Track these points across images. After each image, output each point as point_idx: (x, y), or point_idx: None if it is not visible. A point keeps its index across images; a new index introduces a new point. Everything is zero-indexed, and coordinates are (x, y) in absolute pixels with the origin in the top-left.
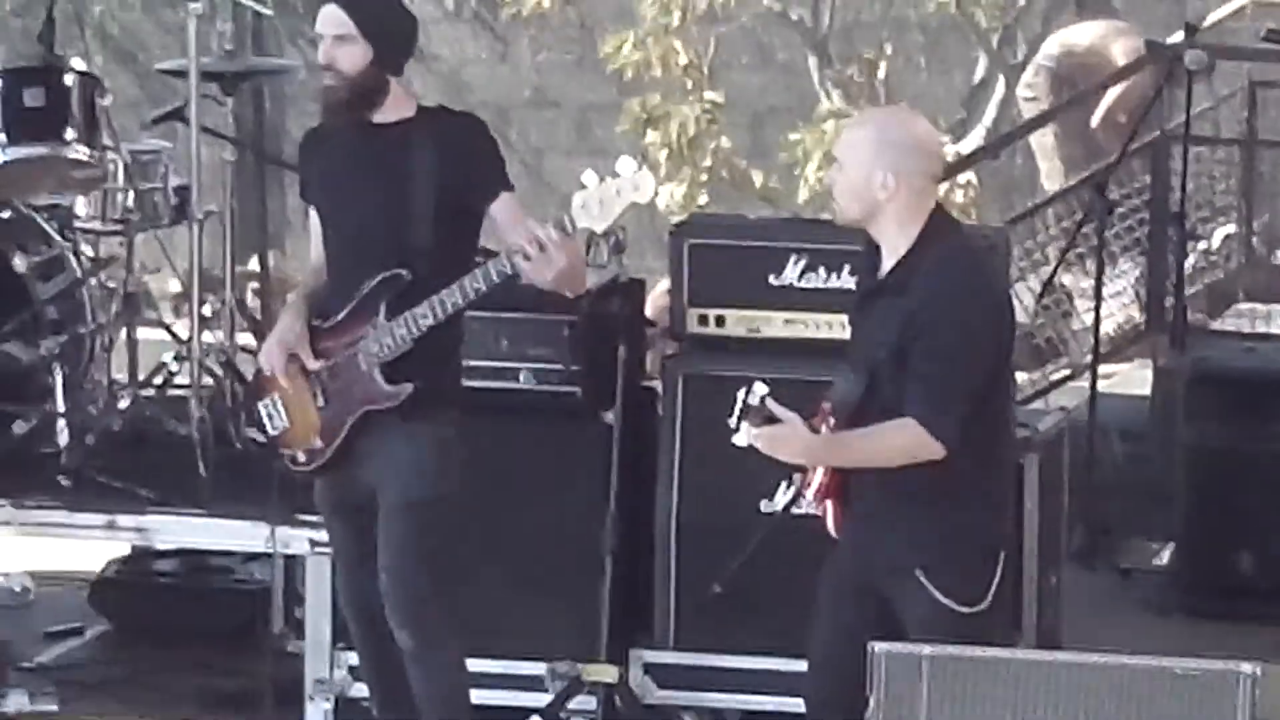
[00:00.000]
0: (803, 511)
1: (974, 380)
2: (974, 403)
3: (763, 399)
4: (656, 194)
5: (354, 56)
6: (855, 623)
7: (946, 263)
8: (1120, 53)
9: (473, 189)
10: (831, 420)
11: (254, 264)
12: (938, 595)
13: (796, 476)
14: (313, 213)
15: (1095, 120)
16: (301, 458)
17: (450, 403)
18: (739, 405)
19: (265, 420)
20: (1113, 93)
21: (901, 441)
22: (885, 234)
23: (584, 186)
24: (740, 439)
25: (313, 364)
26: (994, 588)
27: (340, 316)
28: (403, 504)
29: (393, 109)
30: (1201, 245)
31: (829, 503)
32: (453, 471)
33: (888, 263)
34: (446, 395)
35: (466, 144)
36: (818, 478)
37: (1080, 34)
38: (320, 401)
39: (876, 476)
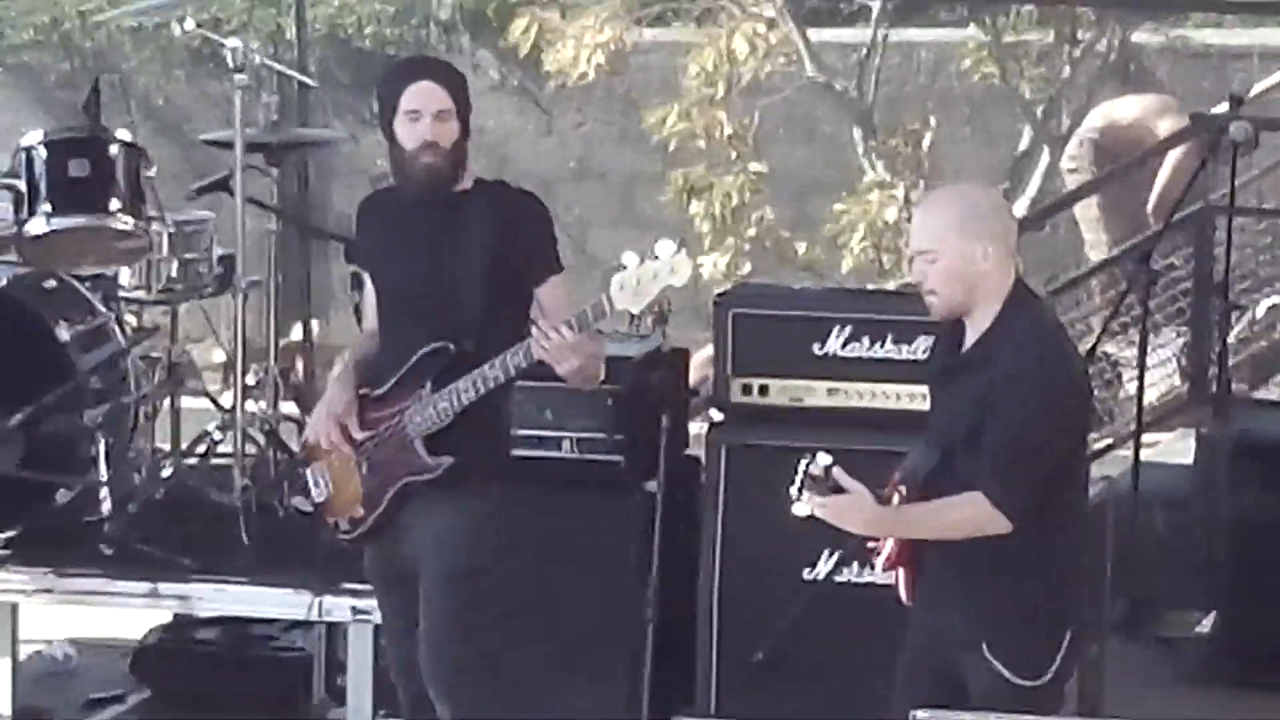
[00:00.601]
0: (845, 579)
1: (1046, 456)
2: (1045, 478)
3: (828, 469)
4: (696, 275)
5: (453, 132)
6: (926, 697)
7: (1029, 336)
8: (1165, 128)
9: (523, 266)
10: (902, 490)
11: (297, 333)
12: (999, 667)
13: (851, 543)
14: (367, 280)
15: (1150, 204)
16: (345, 526)
17: (493, 475)
18: (800, 475)
19: (311, 488)
20: (1165, 175)
21: (966, 515)
22: (975, 309)
23: (623, 266)
24: (800, 509)
25: (358, 434)
26: (1058, 662)
27: (388, 387)
28: (442, 576)
29: (461, 181)
30: (1247, 316)
31: (900, 571)
32: (493, 544)
33: (971, 336)
34: (489, 468)
35: (521, 220)
36: (888, 547)
37: (1125, 108)
38: (364, 470)
39: (942, 548)
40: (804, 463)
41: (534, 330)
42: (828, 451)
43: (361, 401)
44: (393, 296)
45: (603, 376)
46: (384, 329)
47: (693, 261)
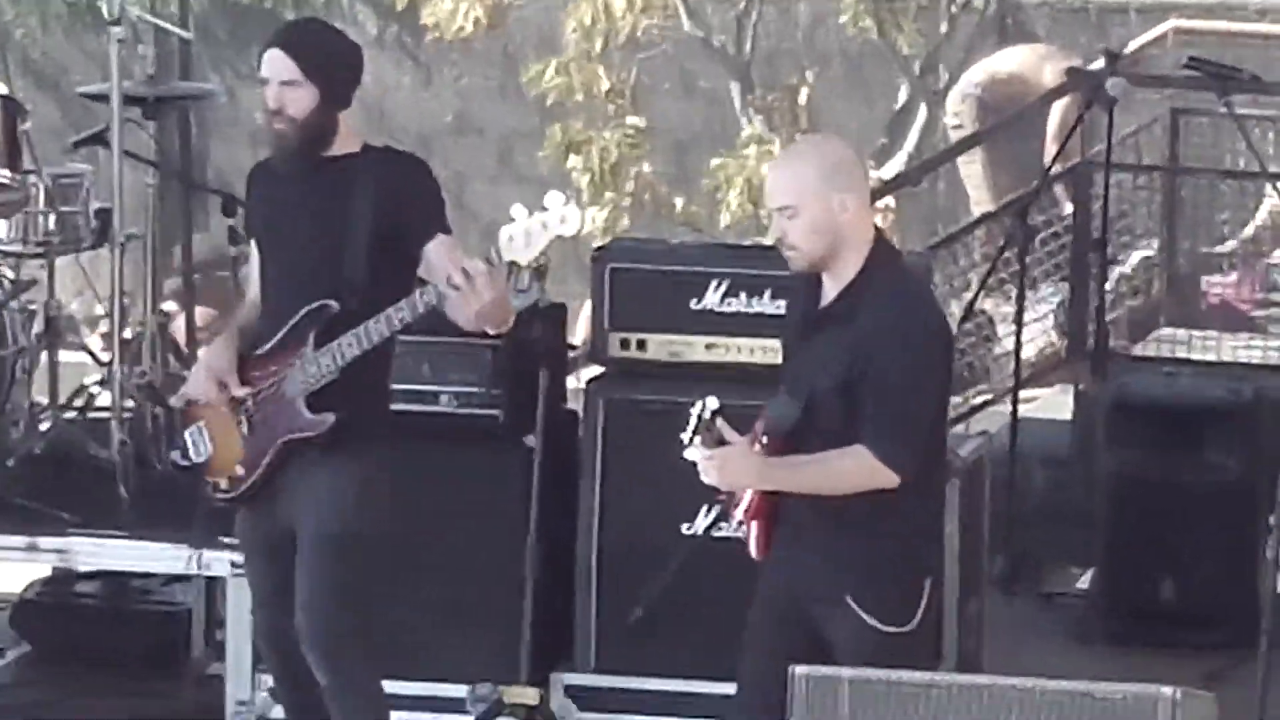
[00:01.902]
0: (724, 534)
1: (927, 410)
2: (924, 430)
3: (715, 414)
4: (582, 228)
5: (302, 100)
6: (783, 648)
7: (894, 291)
8: (1048, 77)
9: (410, 229)
10: (764, 441)
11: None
12: (864, 616)
13: (723, 497)
14: (253, 246)
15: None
16: (224, 485)
17: (375, 436)
18: (693, 419)
19: (190, 447)
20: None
21: (853, 468)
22: (834, 262)
23: (512, 219)
24: (692, 454)
25: (239, 391)
26: (921, 611)
27: (269, 346)
28: (320, 538)
29: (338, 144)
30: (1117, 269)
31: (755, 524)
32: (374, 507)
33: (831, 290)
34: (372, 428)
35: (407, 184)
36: (747, 497)
37: (1006, 60)
38: (245, 430)
39: (809, 500)
40: (696, 407)
41: (446, 275)
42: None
43: (243, 362)
44: (276, 261)
45: (511, 322)
46: (265, 292)
47: (581, 213)
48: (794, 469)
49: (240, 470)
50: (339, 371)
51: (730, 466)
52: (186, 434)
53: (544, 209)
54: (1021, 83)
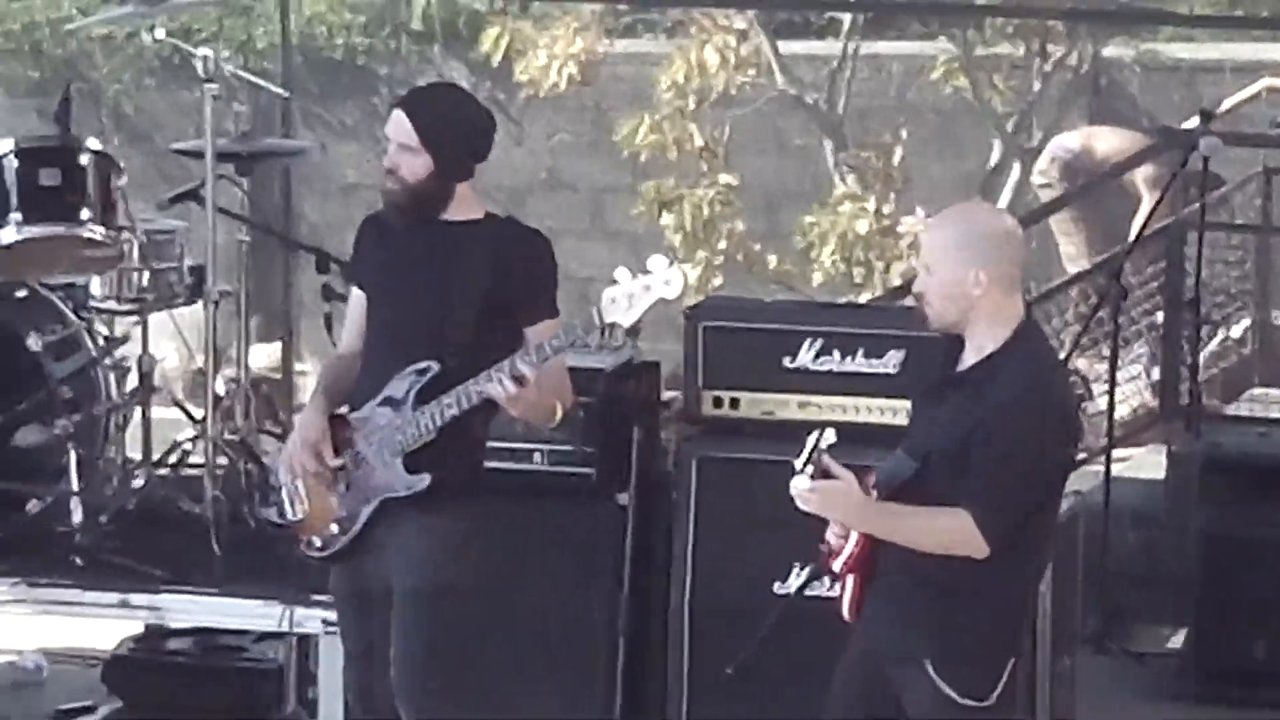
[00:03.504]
0: (816, 594)
1: (1034, 492)
2: (1026, 512)
3: (828, 448)
4: (684, 289)
5: (415, 167)
6: (863, 710)
7: (1031, 371)
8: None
9: (519, 305)
10: (874, 494)
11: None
12: (941, 684)
13: (823, 546)
14: (353, 294)
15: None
16: (318, 543)
17: (469, 494)
18: (807, 448)
19: (286, 505)
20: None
21: (949, 528)
22: (974, 330)
23: (615, 281)
24: (798, 482)
25: (333, 461)
26: (1000, 687)
27: (369, 405)
28: (414, 595)
29: (459, 209)
30: (1221, 333)
31: (850, 578)
32: (467, 564)
33: (969, 358)
34: (466, 487)
35: (525, 260)
36: (849, 547)
37: (1105, 140)
38: (341, 488)
39: (902, 560)
40: (812, 437)
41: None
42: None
43: (339, 421)
44: (382, 317)
45: (559, 418)
46: (369, 347)
47: (684, 276)
48: (892, 516)
49: (334, 529)
50: (436, 432)
51: (833, 499)
52: (283, 491)
53: (647, 271)
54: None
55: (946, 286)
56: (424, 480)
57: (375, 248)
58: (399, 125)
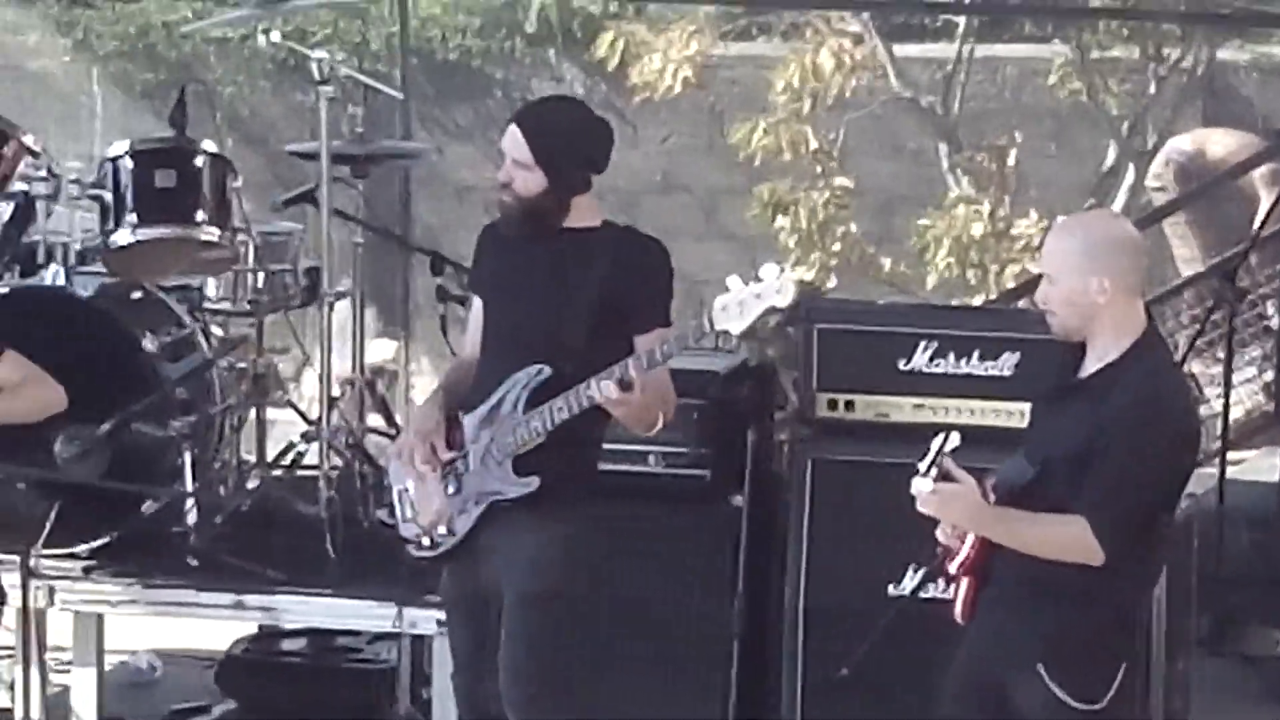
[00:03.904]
0: (930, 596)
1: (1152, 500)
2: (1143, 520)
3: (951, 452)
4: (796, 297)
5: (529, 182)
6: (974, 714)
7: (1152, 380)
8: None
9: (632, 314)
10: (991, 498)
11: (384, 347)
12: (1054, 687)
13: (940, 549)
14: (475, 301)
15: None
16: (427, 543)
17: (581, 498)
18: (931, 451)
19: (397, 505)
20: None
21: (1067, 535)
22: (1097, 337)
23: (726, 288)
24: (919, 484)
25: (445, 454)
26: (1114, 690)
27: (482, 408)
28: (524, 598)
29: (576, 217)
30: None
31: (965, 581)
32: (577, 565)
33: (1091, 364)
34: (577, 490)
35: (641, 269)
36: (965, 549)
37: (1220, 142)
38: (451, 489)
39: (1016, 564)
40: (937, 440)
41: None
42: (909, 468)
43: (454, 421)
44: (498, 324)
45: (660, 427)
46: (485, 354)
47: (795, 284)
48: (1010, 521)
49: (444, 529)
50: (546, 435)
51: (952, 503)
52: (395, 491)
53: (758, 279)
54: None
55: (1070, 295)
56: (533, 483)
57: (493, 256)
58: (514, 141)
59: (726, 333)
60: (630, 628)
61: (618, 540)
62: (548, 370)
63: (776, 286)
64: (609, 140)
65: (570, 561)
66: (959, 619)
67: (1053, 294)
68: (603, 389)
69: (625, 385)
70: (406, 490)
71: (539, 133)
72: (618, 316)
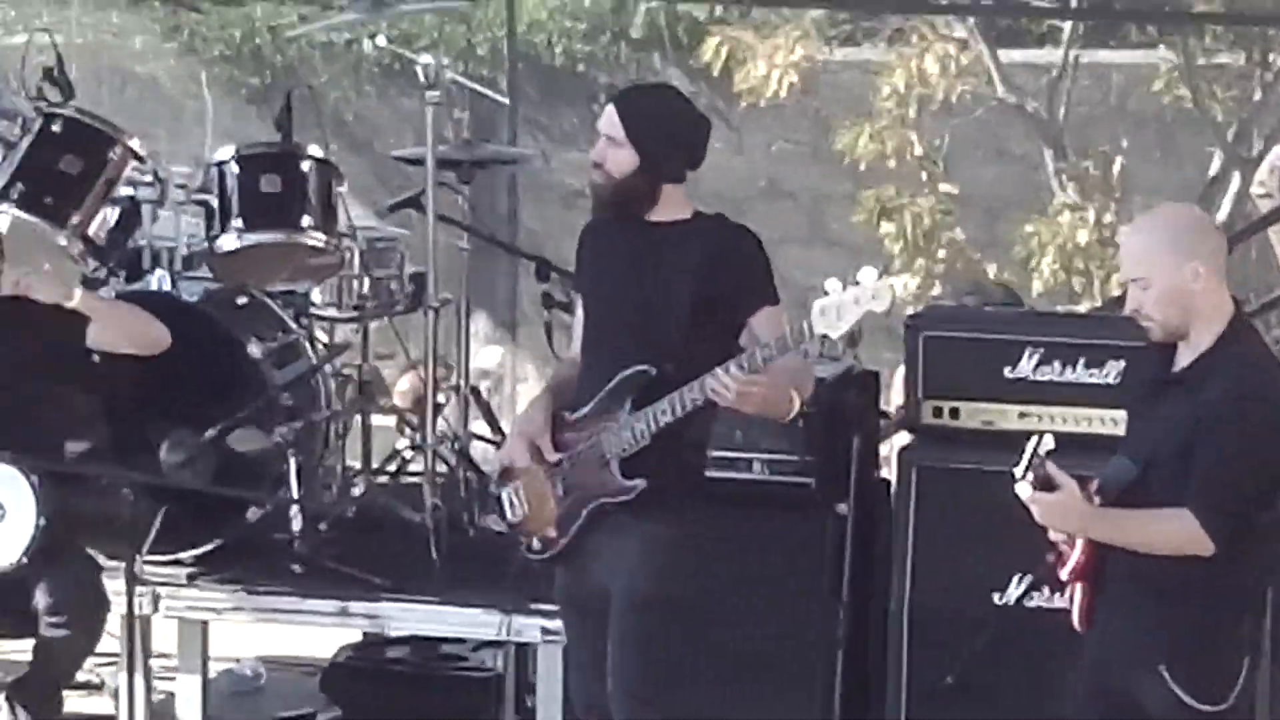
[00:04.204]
0: (1035, 604)
1: (1258, 484)
2: (1252, 506)
3: (1046, 455)
4: (893, 303)
5: (621, 161)
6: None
7: (1247, 364)
8: None
9: (732, 299)
10: (1096, 500)
11: (490, 354)
12: (1177, 689)
13: (1051, 558)
14: (578, 304)
15: None
16: (537, 546)
17: (688, 501)
18: (1026, 453)
19: (506, 507)
20: None
21: (1173, 529)
22: (1190, 329)
23: (825, 292)
24: (1021, 489)
25: (552, 456)
26: (1238, 689)
27: (586, 409)
28: (630, 603)
29: (666, 209)
30: None
31: (1079, 586)
32: (685, 569)
33: (1185, 357)
34: (685, 493)
35: (733, 255)
36: (1075, 555)
37: None
38: (559, 491)
39: (1130, 566)
40: (1031, 442)
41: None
42: (1017, 476)
43: (559, 422)
44: (598, 323)
45: (796, 409)
46: (587, 354)
47: (893, 289)
48: (1116, 520)
49: (553, 532)
50: (651, 438)
51: (1054, 509)
52: (502, 494)
53: (856, 283)
54: None
55: (1167, 291)
56: (638, 485)
57: (591, 254)
58: (609, 118)
59: (826, 336)
60: (735, 634)
61: (722, 547)
62: (652, 371)
63: (873, 291)
64: (705, 133)
65: (676, 567)
66: (1078, 626)
67: (1147, 297)
68: (712, 390)
69: (726, 388)
70: (516, 493)
71: (634, 112)
72: (718, 306)
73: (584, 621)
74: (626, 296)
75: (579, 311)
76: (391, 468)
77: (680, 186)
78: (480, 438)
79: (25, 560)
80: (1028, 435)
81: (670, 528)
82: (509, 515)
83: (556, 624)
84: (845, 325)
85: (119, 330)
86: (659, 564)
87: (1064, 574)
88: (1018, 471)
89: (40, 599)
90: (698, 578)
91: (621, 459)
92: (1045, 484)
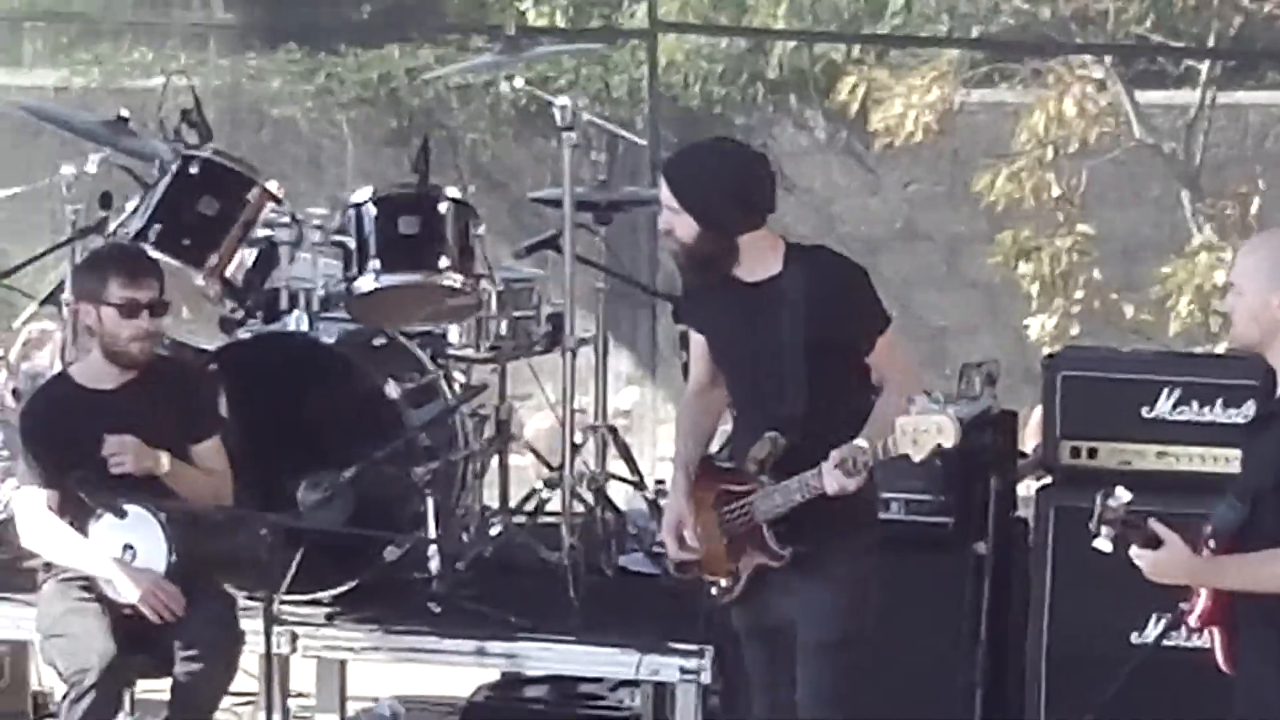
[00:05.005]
0: (1174, 644)
1: None
2: None
3: (1126, 505)
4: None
5: (683, 228)
6: None
7: None
8: None
9: (848, 339)
10: (1210, 545)
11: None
12: None
13: (1181, 605)
14: (693, 336)
15: None
16: (714, 592)
17: (861, 542)
18: (1097, 509)
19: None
20: None
21: None
22: (1271, 355)
23: (912, 402)
24: (1102, 545)
25: (695, 544)
26: None
27: (736, 464)
28: (816, 645)
29: (757, 264)
30: None
31: (1215, 630)
32: (866, 611)
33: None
34: (854, 537)
35: (835, 296)
36: (1201, 602)
37: None
38: (726, 541)
39: (1261, 609)
40: (1099, 497)
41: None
42: (1154, 516)
43: (715, 470)
44: (729, 381)
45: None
46: (733, 404)
47: (958, 429)
48: (1226, 567)
49: (724, 581)
50: (789, 510)
51: (1161, 566)
52: (685, 531)
53: (934, 405)
54: None
55: (1252, 309)
56: (788, 552)
57: (698, 321)
58: (663, 188)
59: (906, 457)
60: (875, 672)
61: None
62: (781, 439)
63: (939, 424)
64: (762, 177)
65: (857, 606)
66: (1223, 667)
67: (1237, 305)
68: (829, 487)
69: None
70: (694, 532)
71: (682, 178)
72: (836, 349)
73: (768, 646)
74: (747, 361)
75: (694, 343)
76: (529, 507)
77: (762, 231)
78: (618, 477)
79: None
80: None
81: (851, 569)
82: (688, 554)
83: (694, 663)
84: (921, 454)
85: (194, 495)
86: (841, 605)
87: (1193, 620)
88: (1091, 527)
89: (176, 637)
90: (875, 616)
91: (770, 521)
92: (1150, 541)
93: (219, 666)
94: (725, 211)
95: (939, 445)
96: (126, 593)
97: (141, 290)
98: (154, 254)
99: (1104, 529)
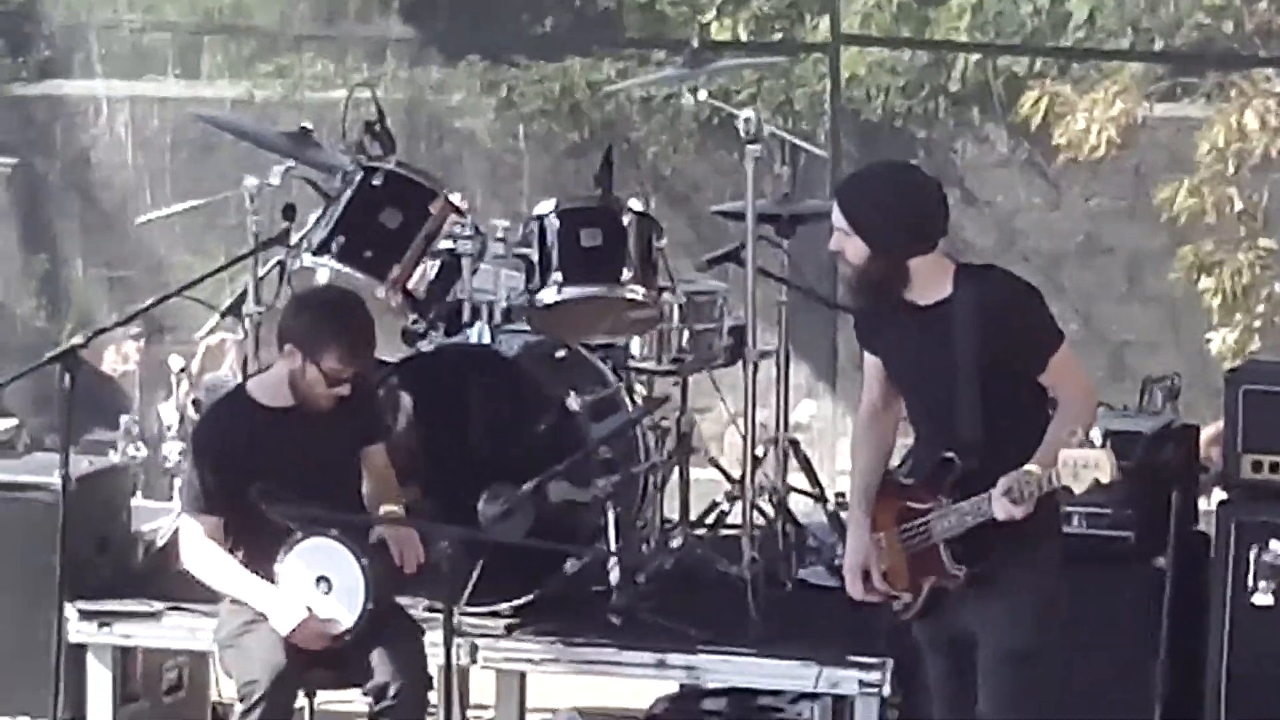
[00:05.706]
0: None
1: None
2: None
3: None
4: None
5: (854, 250)
6: None
7: None
8: None
9: (1022, 360)
10: None
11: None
12: None
13: None
14: (869, 358)
15: None
16: (906, 598)
17: (1044, 556)
18: (1253, 564)
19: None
20: None
21: None
22: None
23: (1081, 435)
24: (1260, 599)
25: (882, 586)
26: None
27: (918, 482)
28: (998, 657)
29: (928, 287)
30: None
31: None
32: (1048, 624)
33: None
34: (1036, 551)
35: (1009, 316)
36: None
37: None
38: (907, 557)
39: None
40: (1254, 550)
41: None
42: None
43: (897, 486)
44: (908, 402)
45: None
46: (909, 414)
47: (1114, 465)
48: None
49: (907, 596)
50: (965, 531)
51: None
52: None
53: (1093, 443)
54: None
55: None
56: (963, 572)
57: (872, 344)
58: (835, 211)
59: (1069, 489)
60: (1055, 686)
61: None
62: (957, 461)
63: (1097, 460)
64: (934, 202)
65: (1042, 616)
66: None
67: None
68: (996, 511)
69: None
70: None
71: (854, 202)
72: (1006, 372)
73: (950, 656)
74: (919, 385)
75: (867, 363)
76: (710, 520)
77: (933, 255)
78: (799, 490)
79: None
80: None
81: (1038, 579)
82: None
83: (873, 676)
84: (1082, 487)
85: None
86: (1026, 615)
87: None
88: (1249, 580)
89: (371, 679)
90: (1058, 629)
91: (947, 541)
92: None
93: (411, 706)
94: (895, 235)
95: (1096, 480)
96: (279, 626)
97: (353, 366)
98: (336, 265)
99: (1261, 583)
